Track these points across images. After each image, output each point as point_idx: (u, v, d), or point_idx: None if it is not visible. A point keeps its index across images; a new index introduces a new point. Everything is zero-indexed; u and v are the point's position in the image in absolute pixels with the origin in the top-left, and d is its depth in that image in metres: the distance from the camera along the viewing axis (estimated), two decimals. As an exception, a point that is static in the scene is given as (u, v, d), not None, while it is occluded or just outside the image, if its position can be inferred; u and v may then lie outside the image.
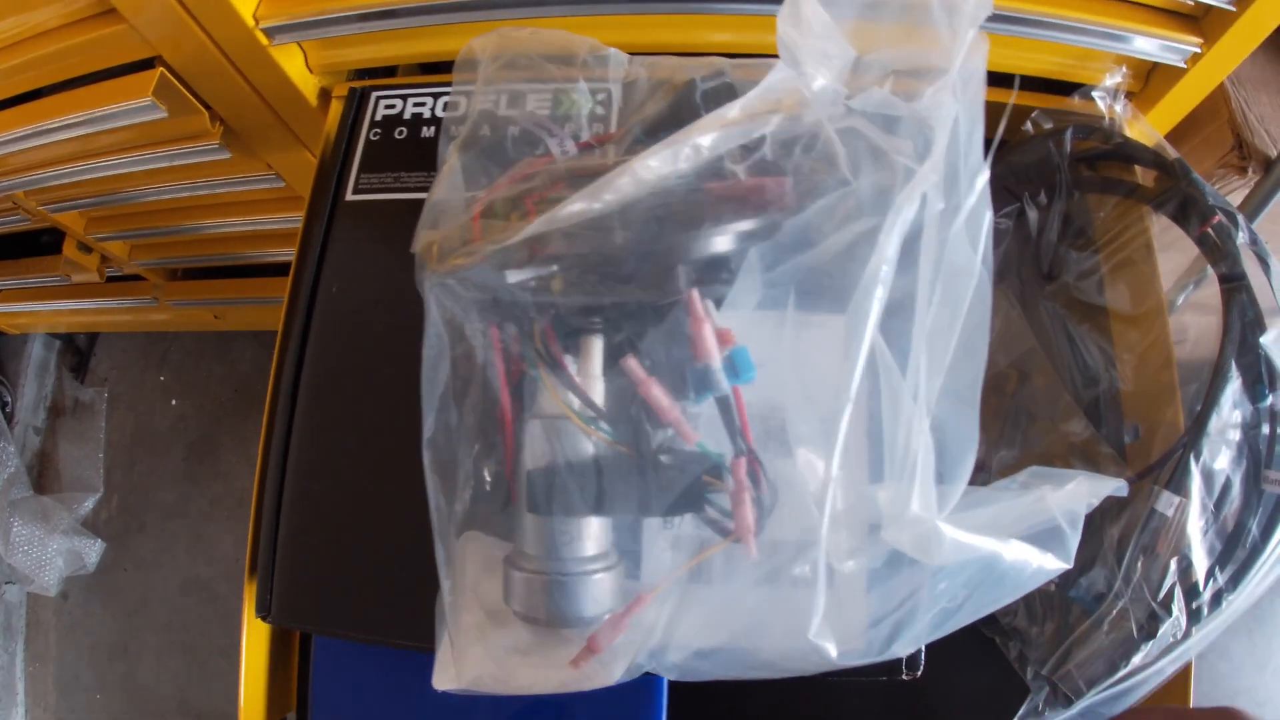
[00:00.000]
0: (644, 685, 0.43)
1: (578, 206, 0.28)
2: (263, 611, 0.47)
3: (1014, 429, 0.53)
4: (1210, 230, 0.51)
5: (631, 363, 0.31)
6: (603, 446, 0.33)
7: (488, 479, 0.36)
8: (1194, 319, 0.61)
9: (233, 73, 0.61)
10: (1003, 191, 0.55)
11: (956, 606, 0.30)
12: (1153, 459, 0.50)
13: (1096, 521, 0.49)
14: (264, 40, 0.57)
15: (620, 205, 0.28)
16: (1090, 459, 0.52)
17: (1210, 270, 0.51)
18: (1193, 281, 0.62)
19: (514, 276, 0.30)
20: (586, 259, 0.29)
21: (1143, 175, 0.56)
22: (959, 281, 0.28)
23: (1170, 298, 0.62)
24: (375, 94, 0.55)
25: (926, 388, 0.27)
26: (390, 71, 0.64)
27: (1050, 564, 0.31)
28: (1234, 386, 0.48)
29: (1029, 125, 0.57)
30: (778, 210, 0.30)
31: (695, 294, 0.30)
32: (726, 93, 0.36)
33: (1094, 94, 0.57)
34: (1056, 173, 0.55)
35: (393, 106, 0.55)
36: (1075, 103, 0.58)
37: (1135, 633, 0.46)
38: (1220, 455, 0.48)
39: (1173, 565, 0.46)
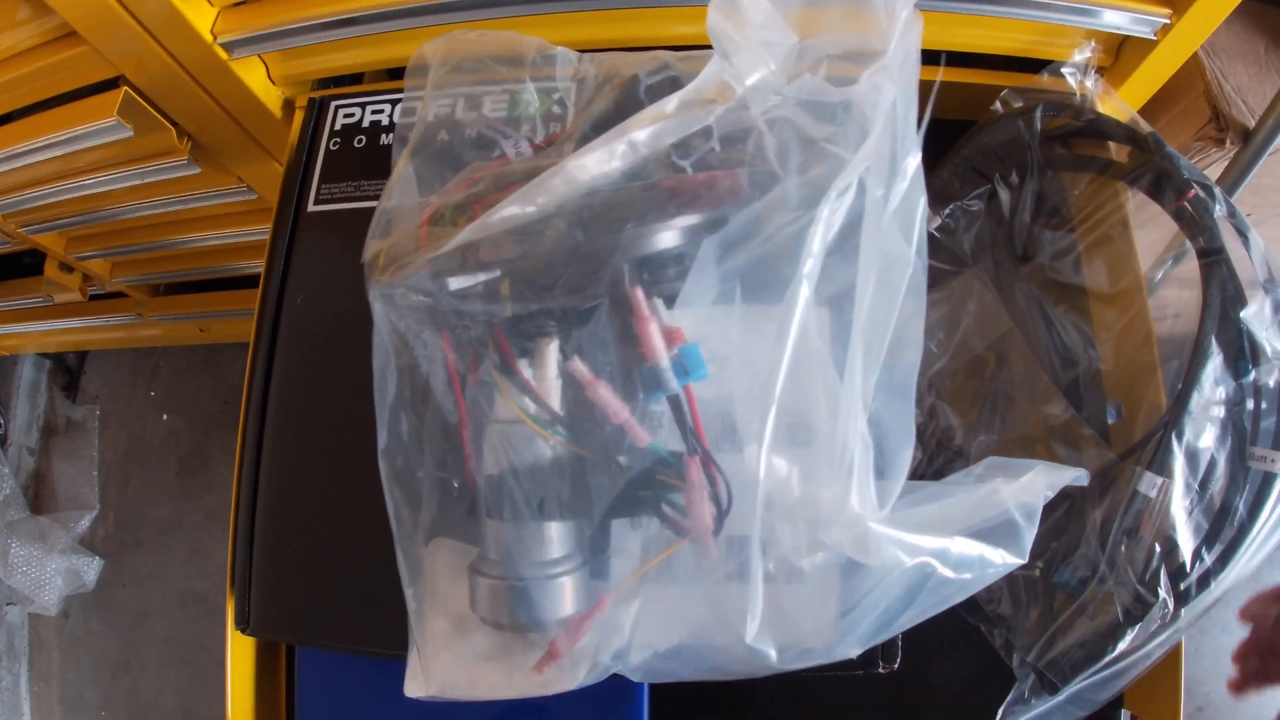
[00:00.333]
0: (625, 685, 0.43)
1: (509, 211, 0.27)
2: (242, 624, 0.47)
3: (992, 413, 0.52)
4: (1187, 204, 0.50)
5: (577, 364, 0.30)
6: (559, 450, 0.32)
7: (455, 486, 0.36)
8: (1175, 294, 0.60)
9: (195, 88, 0.61)
10: (973, 173, 0.54)
11: (902, 607, 0.29)
12: (1135, 439, 0.49)
13: (1079, 504, 0.48)
14: (223, 55, 0.57)
15: (558, 206, 0.27)
16: (1071, 441, 0.51)
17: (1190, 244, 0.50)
18: (1172, 256, 0.61)
19: (455, 284, 0.29)
20: (524, 262, 0.28)
21: (1116, 151, 0.55)
22: (893, 271, 0.27)
23: (1150, 274, 0.61)
24: (334, 103, 0.55)
25: (863, 382, 0.27)
26: (356, 79, 0.64)
27: (1002, 560, 0.30)
28: (1215, 363, 0.47)
29: (998, 105, 0.56)
30: (720, 204, 0.29)
31: (638, 292, 0.29)
32: (671, 86, 0.35)
33: (1063, 70, 0.56)
34: (1027, 152, 0.54)
35: (351, 115, 0.54)
36: (1044, 80, 0.57)
37: (1121, 617, 0.46)
38: (1204, 433, 0.47)
39: (1157, 547, 0.46)
